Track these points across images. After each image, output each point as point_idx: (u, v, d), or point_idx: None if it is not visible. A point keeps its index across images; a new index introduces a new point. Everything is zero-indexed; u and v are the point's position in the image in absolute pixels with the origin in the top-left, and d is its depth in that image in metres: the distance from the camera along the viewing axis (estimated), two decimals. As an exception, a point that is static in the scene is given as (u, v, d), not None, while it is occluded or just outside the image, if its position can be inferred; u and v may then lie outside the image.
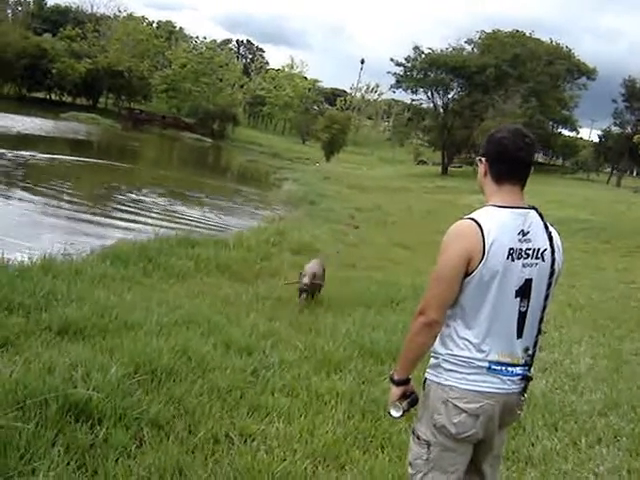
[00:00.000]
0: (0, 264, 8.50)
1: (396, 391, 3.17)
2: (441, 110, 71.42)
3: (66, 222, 16.00)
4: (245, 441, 4.76)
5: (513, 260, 2.96)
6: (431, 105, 72.75)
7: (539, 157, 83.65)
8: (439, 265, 3.01)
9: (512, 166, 3.08)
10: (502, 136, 3.09)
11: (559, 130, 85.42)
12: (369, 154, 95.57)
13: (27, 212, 16.73)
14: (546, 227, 3.08)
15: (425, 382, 3.16)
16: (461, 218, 3.04)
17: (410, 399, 3.16)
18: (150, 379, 5.35)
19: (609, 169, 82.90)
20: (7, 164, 25.73)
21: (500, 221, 2.97)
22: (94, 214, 17.83)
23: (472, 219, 2.97)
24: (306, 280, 8.91)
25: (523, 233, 2.99)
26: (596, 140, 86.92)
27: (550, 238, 3.07)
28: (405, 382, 3.16)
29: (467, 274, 2.94)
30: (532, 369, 3.13)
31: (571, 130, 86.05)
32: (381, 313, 9.25)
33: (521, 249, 2.98)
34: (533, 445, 5.48)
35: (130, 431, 4.51)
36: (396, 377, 3.17)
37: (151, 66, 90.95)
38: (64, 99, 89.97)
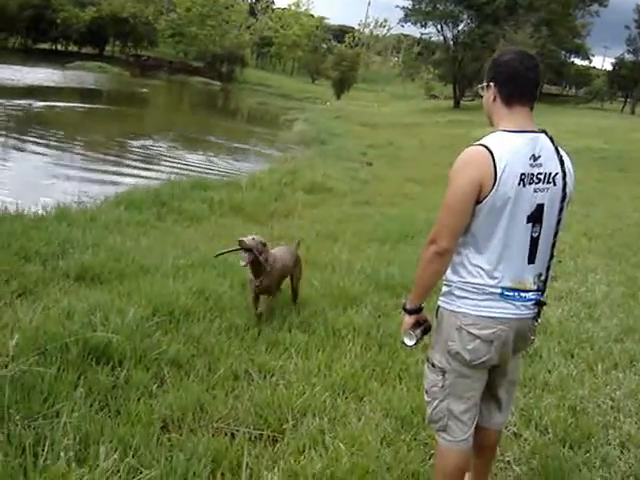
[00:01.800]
0: (15, 214, 8.55)
1: (409, 320, 3.19)
2: (451, 43, 70.22)
3: (79, 171, 15.99)
4: (264, 377, 4.83)
5: (525, 185, 2.92)
6: (441, 38, 71.52)
7: (552, 88, 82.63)
8: (449, 193, 2.97)
9: (523, 87, 3.03)
10: (510, 58, 3.04)
11: (572, 59, 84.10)
12: (380, 90, 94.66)
13: (40, 161, 16.74)
14: (557, 151, 3.03)
15: (438, 310, 3.17)
16: (471, 145, 3.00)
17: (423, 327, 3.19)
18: (168, 320, 5.42)
19: (623, 98, 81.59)
20: (18, 114, 25.73)
21: (511, 146, 2.93)
22: (106, 162, 17.82)
23: (482, 145, 2.93)
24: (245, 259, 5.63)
25: (534, 157, 2.95)
26: (609, 68, 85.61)
27: (561, 162, 3.03)
28: (417, 311, 3.18)
29: (478, 201, 2.91)
30: (545, 294, 3.13)
31: (584, 59, 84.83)
32: (396, 248, 9.27)
33: (532, 174, 2.94)
34: (550, 372, 5.52)
35: (150, 371, 4.59)
36: (409, 306, 3.19)
37: (156, 11, 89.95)
38: (70, 49, 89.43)
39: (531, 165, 2.92)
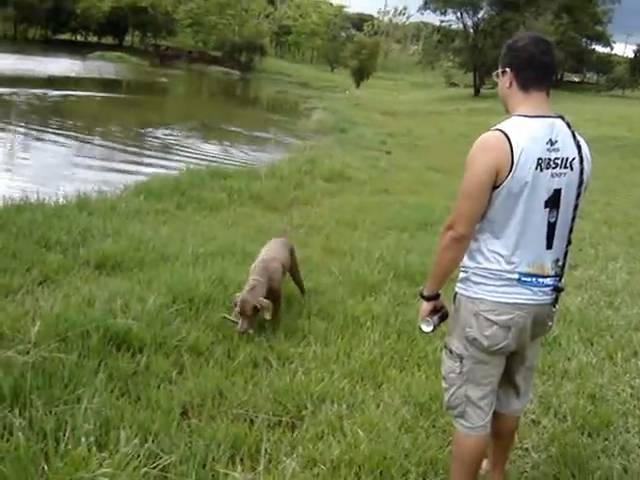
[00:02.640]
0: (36, 203, 8.61)
1: (426, 306, 3.19)
2: (471, 31, 69.67)
3: (99, 160, 16.04)
4: (283, 364, 4.85)
5: (542, 170, 2.90)
6: (461, 26, 70.98)
7: (573, 76, 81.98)
8: (466, 179, 2.96)
9: (539, 72, 3.02)
10: (526, 43, 3.04)
11: (593, 47, 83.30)
12: (399, 79, 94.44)
13: (60, 151, 16.81)
14: (574, 136, 3.02)
15: (455, 296, 3.17)
16: (488, 130, 3.00)
17: (441, 314, 3.19)
18: (188, 308, 5.46)
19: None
20: (39, 104, 25.88)
21: (528, 131, 2.91)
22: (126, 152, 17.82)
23: (499, 130, 2.92)
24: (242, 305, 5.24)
25: (551, 142, 2.93)
26: (631, 56, 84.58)
27: (578, 147, 3.01)
28: (435, 297, 3.19)
29: (495, 186, 2.90)
30: (563, 280, 3.12)
31: (605, 46, 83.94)
32: (415, 236, 9.26)
33: (550, 158, 2.92)
34: (569, 360, 5.51)
35: (170, 358, 4.64)
36: (426, 292, 3.20)
37: (174, 0, 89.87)
38: (90, 39, 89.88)
39: (548, 150, 2.91)
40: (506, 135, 2.88)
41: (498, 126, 2.95)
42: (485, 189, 2.91)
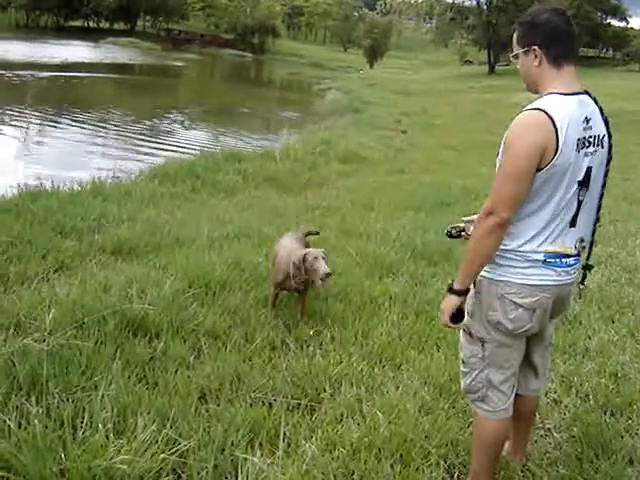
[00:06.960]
0: (51, 190, 8.60)
1: (456, 302, 2.99)
2: (485, 7, 69.23)
3: (114, 144, 16.08)
4: (301, 346, 4.82)
5: (579, 150, 2.79)
6: (474, 2, 70.57)
7: (589, 51, 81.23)
8: (510, 160, 2.79)
9: (568, 43, 2.88)
10: (549, 16, 2.87)
11: (608, 21, 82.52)
12: (413, 58, 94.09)
13: (75, 137, 16.81)
14: (601, 112, 2.93)
15: (476, 279, 3.08)
16: (527, 109, 2.83)
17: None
18: (204, 292, 5.43)
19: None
20: (53, 89, 25.95)
21: (568, 110, 2.77)
22: (141, 136, 17.86)
23: (539, 109, 2.76)
24: (324, 268, 4.94)
25: (587, 120, 2.81)
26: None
27: (606, 123, 2.91)
28: (466, 292, 3.00)
29: (538, 169, 2.75)
30: (590, 258, 3.05)
31: (621, 20, 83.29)
32: (432, 215, 9.18)
33: (585, 137, 2.80)
34: (590, 338, 5.43)
35: (188, 343, 4.60)
36: (457, 286, 2.97)
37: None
38: (102, 25, 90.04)
39: (584, 129, 2.79)
40: (548, 115, 2.73)
41: (537, 105, 2.79)
42: (530, 171, 2.75)
